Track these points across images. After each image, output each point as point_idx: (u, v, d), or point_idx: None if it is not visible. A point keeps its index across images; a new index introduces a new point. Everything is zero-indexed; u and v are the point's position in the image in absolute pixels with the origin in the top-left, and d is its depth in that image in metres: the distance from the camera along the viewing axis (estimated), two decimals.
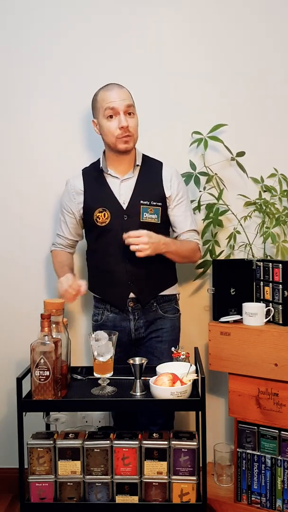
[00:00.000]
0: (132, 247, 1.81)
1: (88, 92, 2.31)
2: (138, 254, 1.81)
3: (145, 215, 1.95)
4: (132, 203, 1.95)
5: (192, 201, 2.23)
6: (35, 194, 2.34)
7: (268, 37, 2.28)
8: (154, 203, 1.96)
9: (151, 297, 1.99)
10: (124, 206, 1.95)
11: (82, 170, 2.07)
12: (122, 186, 1.98)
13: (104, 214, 1.95)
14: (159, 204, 1.97)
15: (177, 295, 2.11)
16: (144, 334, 2.01)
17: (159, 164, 2.04)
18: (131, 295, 1.96)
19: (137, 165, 2.00)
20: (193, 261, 2.12)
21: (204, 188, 2.25)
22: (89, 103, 2.28)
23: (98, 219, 1.96)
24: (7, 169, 2.35)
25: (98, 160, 2.05)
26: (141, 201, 1.95)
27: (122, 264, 1.93)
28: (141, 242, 1.80)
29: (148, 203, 1.96)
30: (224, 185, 2.24)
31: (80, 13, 2.29)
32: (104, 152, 2.04)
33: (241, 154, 2.23)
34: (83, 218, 2.03)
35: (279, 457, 1.93)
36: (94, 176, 2.02)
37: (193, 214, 2.10)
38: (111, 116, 1.91)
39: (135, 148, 2.03)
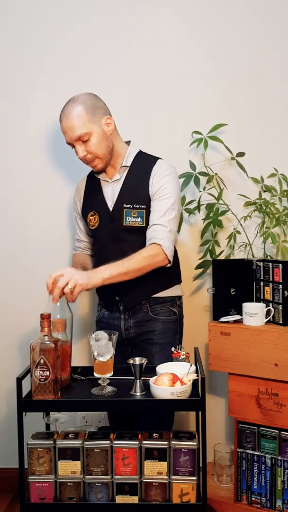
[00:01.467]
0: (66, 293, 1.67)
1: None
2: (73, 296, 1.68)
3: (128, 219, 1.90)
4: (117, 207, 1.92)
5: (191, 201, 2.23)
6: (35, 194, 2.34)
7: (268, 37, 2.28)
8: (138, 206, 1.90)
9: (138, 300, 1.95)
10: (110, 210, 1.94)
11: (89, 173, 2.07)
12: (110, 190, 1.96)
13: (95, 218, 1.97)
14: (142, 206, 1.90)
15: (177, 297, 2.02)
16: (135, 335, 1.98)
17: (153, 162, 1.93)
18: (117, 297, 1.96)
19: (124, 167, 1.94)
20: (156, 267, 1.86)
21: (204, 188, 2.25)
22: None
23: (90, 222, 1.99)
24: (7, 169, 2.35)
25: None
26: (124, 205, 1.91)
27: None
28: (63, 282, 1.66)
29: (131, 206, 1.90)
30: (225, 185, 2.24)
31: (80, 13, 2.29)
32: None
33: (241, 154, 2.23)
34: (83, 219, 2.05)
35: (279, 457, 1.93)
36: (93, 180, 2.03)
37: (176, 214, 1.90)
38: (71, 145, 1.91)
39: (128, 146, 1.98)
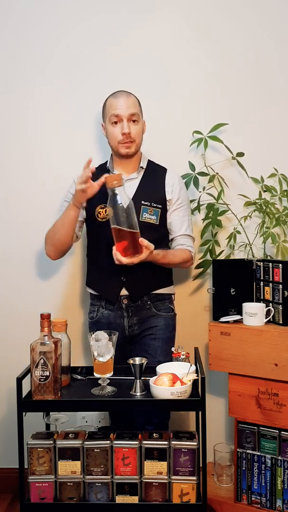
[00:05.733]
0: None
1: (87, 93, 2.31)
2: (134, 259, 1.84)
3: (145, 215, 2.00)
4: (133, 202, 1.96)
5: (192, 201, 2.23)
6: (35, 194, 2.34)
7: (268, 37, 2.28)
8: (155, 205, 2.02)
9: (143, 294, 2.01)
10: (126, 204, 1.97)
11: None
12: (125, 185, 1.99)
13: (105, 210, 1.98)
14: (159, 206, 2.02)
15: (172, 295, 2.13)
16: (138, 332, 2.03)
17: (163, 170, 2.10)
18: (124, 291, 2.00)
19: (141, 167, 2.07)
20: (182, 268, 2.17)
21: (204, 188, 2.24)
22: (88, 104, 2.30)
23: (99, 214, 2.00)
24: (8, 169, 2.34)
25: (106, 162, 2.12)
26: (142, 201, 2.00)
27: None
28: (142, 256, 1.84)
29: (149, 204, 2.01)
30: (226, 185, 2.24)
31: (80, 13, 2.28)
32: (112, 155, 2.10)
33: (241, 154, 2.22)
34: (86, 212, 2.06)
35: (279, 457, 1.93)
36: (99, 175, 2.04)
37: (191, 221, 2.14)
38: (115, 122, 1.98)
39: (140, 152, 2.08)
